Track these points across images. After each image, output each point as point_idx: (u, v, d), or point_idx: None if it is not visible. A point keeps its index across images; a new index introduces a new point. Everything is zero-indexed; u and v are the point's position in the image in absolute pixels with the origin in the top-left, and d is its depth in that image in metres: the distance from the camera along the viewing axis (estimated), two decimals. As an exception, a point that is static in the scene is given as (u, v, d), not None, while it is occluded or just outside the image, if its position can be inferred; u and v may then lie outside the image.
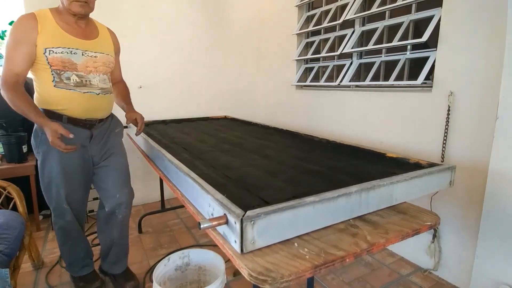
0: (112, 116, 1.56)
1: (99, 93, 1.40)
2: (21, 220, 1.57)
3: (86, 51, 1.35)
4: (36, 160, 1.41)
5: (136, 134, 1.55)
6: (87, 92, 1.36)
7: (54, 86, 1.29)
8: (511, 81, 1.21)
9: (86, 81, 1.35)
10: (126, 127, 2.04)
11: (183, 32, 2.84)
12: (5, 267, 1.25)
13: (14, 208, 1.66)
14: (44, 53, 1.25)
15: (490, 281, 1.35)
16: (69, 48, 1.29)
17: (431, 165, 1.04)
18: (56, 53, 1.26)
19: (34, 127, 1.40)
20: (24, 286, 1.69)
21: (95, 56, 1.38)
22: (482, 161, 1.47)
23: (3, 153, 2.23)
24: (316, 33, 2.64)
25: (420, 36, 1.69)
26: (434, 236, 1.74)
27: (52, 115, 1.32)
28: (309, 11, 2.67)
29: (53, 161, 1.36)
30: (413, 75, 1.87)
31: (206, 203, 0.79)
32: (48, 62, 1.26)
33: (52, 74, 1.28)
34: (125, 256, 1.64)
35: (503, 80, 1.24)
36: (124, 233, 1.59)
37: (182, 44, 2.84)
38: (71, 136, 1.20)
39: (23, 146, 2.24)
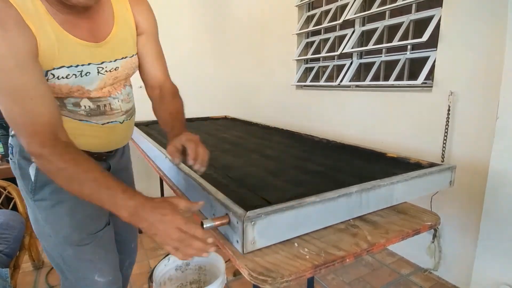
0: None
1: (123, 121, 0.94)
2: (21, 220, 1.57)
3: (102, 63, 0.79)
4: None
5: (195, 169, 0.86)
6: (108, 122, 0.89)
7: None
8: (512, 81, 1.22)
9: (104, 106, 0.86)
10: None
11: (183, 33, 2.83)
12: (5, 267, 1.25)
13: (14, 208, 1.66)
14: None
15: (490, 281, 1.35)
16: (77, 67, 0.74)
17: (431, 165, 1.03)
18: (58, 78, 0.72)
19: (16, 158, 0.84)
20: (24, 286, 1.69)
21: (115, 68, 0.83)
22: (483, 161, 1.47)
23: (3, 153, 2.23)
24: (316, 33, 2.64)
25: (420, 36, 1.69)
26: (434, 236, 1.74)
27: None
28: (309, 11, 2.67)
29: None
30: (413, 75, 1.87)
31: (208, 203, 0.79)
32: None
33: None
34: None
35: (504, 79, 1.24)
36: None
37: (182, 44, 2.84)
38: (199, 205, 0.71)
39: (23, 146, 2.24)
